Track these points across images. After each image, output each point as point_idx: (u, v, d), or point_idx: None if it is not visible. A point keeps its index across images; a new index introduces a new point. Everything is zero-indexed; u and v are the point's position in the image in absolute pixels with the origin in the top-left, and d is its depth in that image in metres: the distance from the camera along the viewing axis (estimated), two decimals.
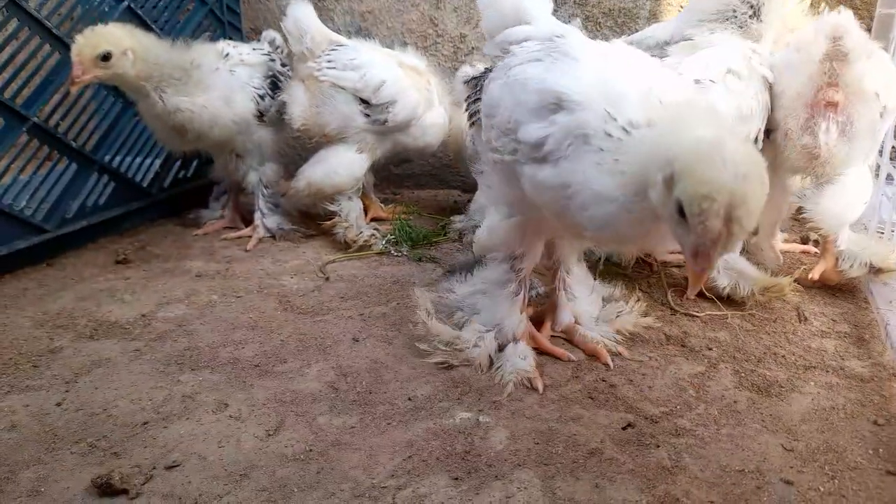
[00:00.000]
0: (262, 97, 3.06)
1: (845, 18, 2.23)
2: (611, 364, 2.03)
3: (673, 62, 2.58)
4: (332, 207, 3.03)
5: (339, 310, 2.41)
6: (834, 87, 2.26)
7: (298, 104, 2.98)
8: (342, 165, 3.00)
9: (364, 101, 2.94)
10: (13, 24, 2.67)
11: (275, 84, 3.14)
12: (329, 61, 2.94)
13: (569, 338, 2.19)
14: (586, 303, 2.25)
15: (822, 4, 2.66)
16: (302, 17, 2.96)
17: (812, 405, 1.84)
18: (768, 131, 2.53)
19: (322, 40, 2.99)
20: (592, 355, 2.09)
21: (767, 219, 2.63)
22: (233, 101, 2.98)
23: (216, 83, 2.94)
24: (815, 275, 2.48)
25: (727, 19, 2.57)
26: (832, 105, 2.28)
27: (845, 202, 2.40)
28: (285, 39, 3.10)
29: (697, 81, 2.37)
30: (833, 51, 2.22)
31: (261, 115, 3.08)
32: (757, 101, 2.39)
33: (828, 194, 2.39)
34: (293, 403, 1.82)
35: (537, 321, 2.21)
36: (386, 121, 2.98)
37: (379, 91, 2.93)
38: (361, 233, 3.01)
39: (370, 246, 3.00)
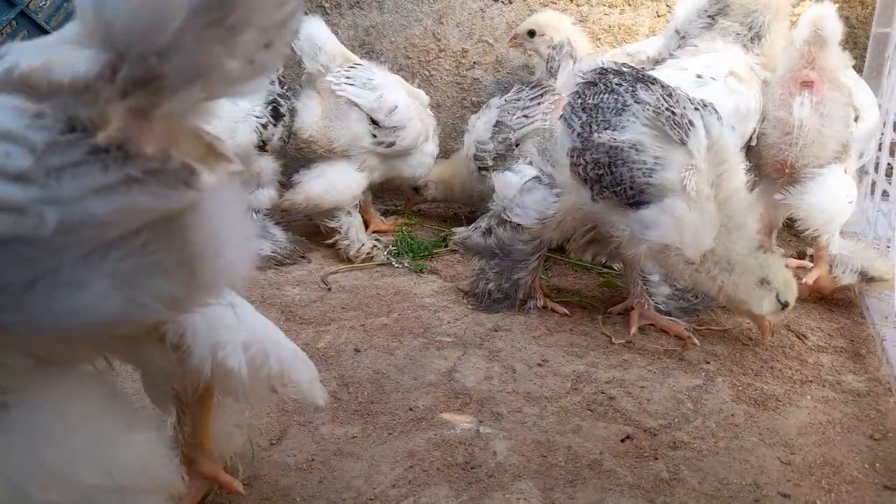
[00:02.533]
0: (264, 126, 2.93)
1: (827, 9, 2.44)
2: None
3: (677, 62, 2.74)
4: (331, 224, 3.04)
5: (341, 320, 2.43)
6: (809, 68, 2.46)
7: (311, 114, 2.98)
8: (342, 182, 3.01)
9: (374, 122, 2.98)
10: (22, 37, 2.71)
11: (276, 111, 3.09)
12: (348, 77, 2.98)
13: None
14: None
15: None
16: (314, 32, 2.96)
17: (809, 419, 1.86)
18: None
19: (337, 54, 3.02)
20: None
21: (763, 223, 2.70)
22: (235, 133, 2.81)
23: (219, 114, 2.90)
24: (809, 279, 2.53)
25: (727, 35, 2.72)
26: (807, 84, 2.46)
27: (828, 196, 2.49)
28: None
29: (699, 76, 2.57)
30: (813, 36, 2.42)
31: (263, 145, 2.95)
32: (756, 102, 2.59)
33: (811, 190, 2.50)
34: (296, 413, 1.84)
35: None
36: (393, 143, 3.03)
37: (391, 114, 2.99)
38: (363, 245, 3.03)
39: (372, 257, 3.02)
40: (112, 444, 1.03)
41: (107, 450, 1.02)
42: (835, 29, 2.42)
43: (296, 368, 1.35)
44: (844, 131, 2.49)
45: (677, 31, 2.91)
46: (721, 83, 2.56)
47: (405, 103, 3.06)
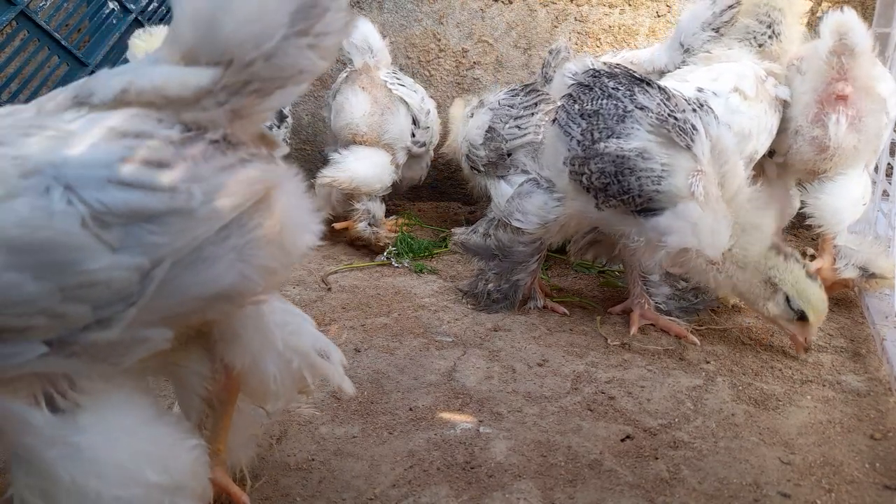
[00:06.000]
0: (269, 129, 3.02)
1: (849, 16, 2.31)
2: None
3: (685, 70, 2.65)
4: (357, 205, 3.09)
5: (341, 320, 2.43)
6: (843, 81, 2.35)
7: (360, 109, 3.06)
8: (386, 171, 3.11)
9: (414, 122, 3.15)
10: (22, 36, 2.71)
11: (280, 112, 3.11)
12: (398, 78, 3.17)
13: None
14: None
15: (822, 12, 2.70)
16: (369, 32, 3.18)
17: (809, 419, 1.86)
18: (772, 152, 2.59)
19: (384, 57, 3.20)
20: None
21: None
22: None
23: None
24: (811, 268, 2.52)
25: (744, 39, 2.63)
26: (842, 98, 2.37)
27: (845, 199, 2.47)
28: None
29: (700, 90, 2.44)
30: (839, 46, 2.31)
31: None
32: (757, 122, 2.45)
33: (828, 190, 2.48)
34: (296, 413, 1.84)
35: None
36: (424, 144, 3.22)
37: (428, 116, 3.21)
38: (379, 233, 3.07)
39: (384, 247, 3.05)
40: (171, 446, 1.15)
41: (167, 451, 1.13)
42: (862, 36, 2.30)
43: (326, 356, 1.42)
44: (878, 140, 2.46)
45: (681, 44, 2.82)
46: (722, 100, 2.42)
47: (433, 107, 3.30)
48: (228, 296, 1.13)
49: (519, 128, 2.88)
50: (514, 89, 3.05)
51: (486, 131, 2.95)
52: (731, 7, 2.69)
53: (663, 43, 3.01)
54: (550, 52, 3.04)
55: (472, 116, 3.12)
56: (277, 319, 1.34)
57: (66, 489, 1.03)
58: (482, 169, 3.00)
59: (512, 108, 2.94)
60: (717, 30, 2.73)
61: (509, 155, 2.88)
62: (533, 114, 2.88)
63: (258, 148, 1.14)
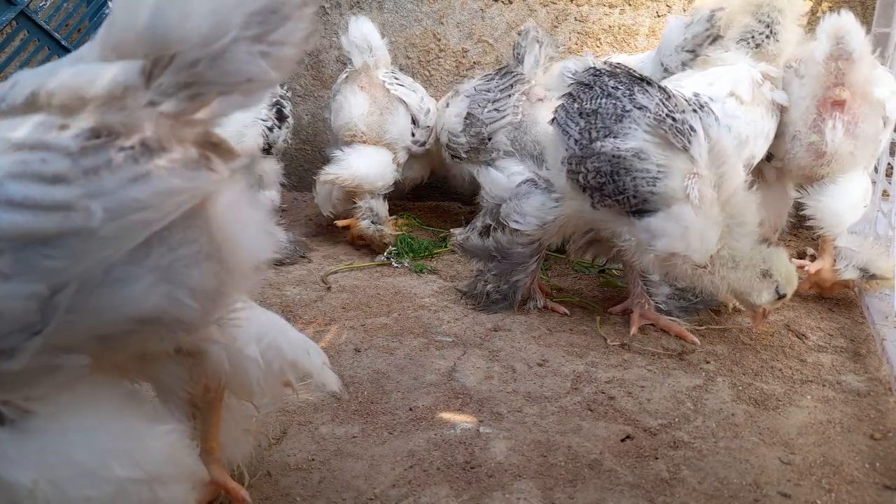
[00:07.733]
0: (270, 129, 2.98)
1: (846, 19, 2.28)
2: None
3: (680, 75, 2.64)
4: (360, 203, 3.08)
5: (341, 320, 2.43)
6: (840, 86, 2.33)
7: (360, 108, 3.06)
8: (388, 169, 3.11)
9: (414, 122, 3.15)
10: (22, 36, 2.71)
11: (280, 112, 3.11)
12: (396, 78, 3.17)
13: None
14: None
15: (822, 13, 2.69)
16: (369, 32, 3.17)
17: (809, 419, 1.86)
18: (770, 156, 2.59)
19: (383, 56, 3.20)
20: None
21: (768, 225, 2.67)
22: (242, 138, 2.81)
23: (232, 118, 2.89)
24: (811, 269, 2.53)
25: (741, 39, 2.61)
26: (839, 104, 2.36)
27: (846, 202, 2.47)
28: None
29: (696, 95, 2.41)
30: (837, 51, 2.29)
31: (268, 148, 2.97)
32: (754, 127, 2.43)
33: (829, 192, 2.47)
34: (296, 413, 1.84)
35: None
36: (424, 143, 3.22)
37: (427, 115, 3.20)
38: (383, 230, 3.07)
39: (385, 246, 3.05)
40: (138, 437, 1.09)
41: (134, 443, 1.08)
42: (860, 40, 2.27)
43: (307, 354, 1.39)
44: (875, 144, 2.45)
45: (661, 63, 2.79)
46: (718, 104, 2.36)
47: (434, 107, 3.28)
48: (158, 320, 1.01)
49: (497, 110, 2.94)
50: (488, 74, 3.10)
51: (465, 118, 3.00)
52: (706, 30, 2.67)
53: (651, 52, 3.01)
54: (520, 34, 3.08)
55: (447, 106, 3.15)
56: (253, 332, 1.29)
57: (29, 495, 0.98)
58: (464, 156, 3.03)
59: (489, 92, 2.99)
60: (692, 52, 2.71)
61: (489, 139, 2.94)
62: (510, 95, 2.95)
63: (187, 151, 1.00)
